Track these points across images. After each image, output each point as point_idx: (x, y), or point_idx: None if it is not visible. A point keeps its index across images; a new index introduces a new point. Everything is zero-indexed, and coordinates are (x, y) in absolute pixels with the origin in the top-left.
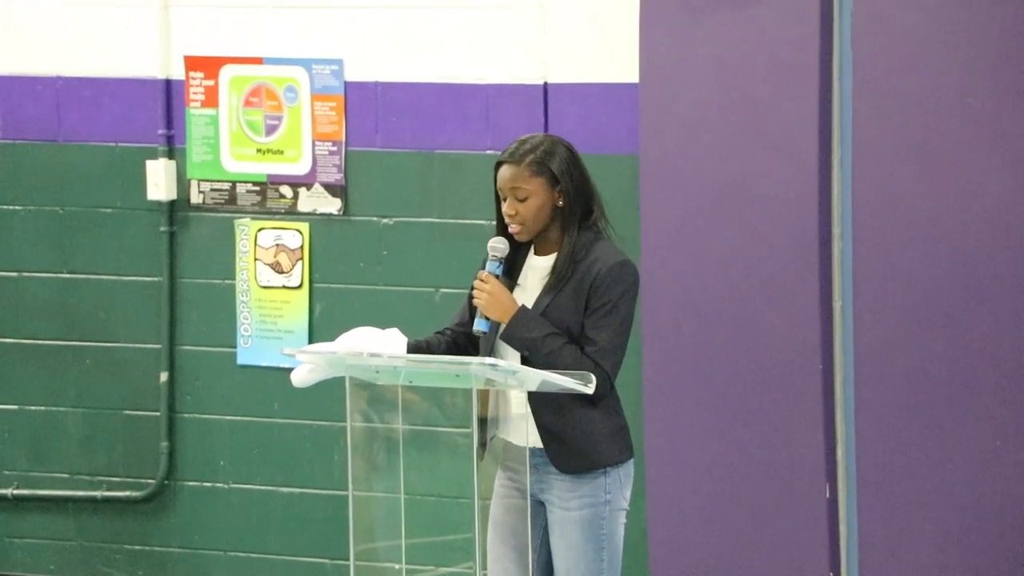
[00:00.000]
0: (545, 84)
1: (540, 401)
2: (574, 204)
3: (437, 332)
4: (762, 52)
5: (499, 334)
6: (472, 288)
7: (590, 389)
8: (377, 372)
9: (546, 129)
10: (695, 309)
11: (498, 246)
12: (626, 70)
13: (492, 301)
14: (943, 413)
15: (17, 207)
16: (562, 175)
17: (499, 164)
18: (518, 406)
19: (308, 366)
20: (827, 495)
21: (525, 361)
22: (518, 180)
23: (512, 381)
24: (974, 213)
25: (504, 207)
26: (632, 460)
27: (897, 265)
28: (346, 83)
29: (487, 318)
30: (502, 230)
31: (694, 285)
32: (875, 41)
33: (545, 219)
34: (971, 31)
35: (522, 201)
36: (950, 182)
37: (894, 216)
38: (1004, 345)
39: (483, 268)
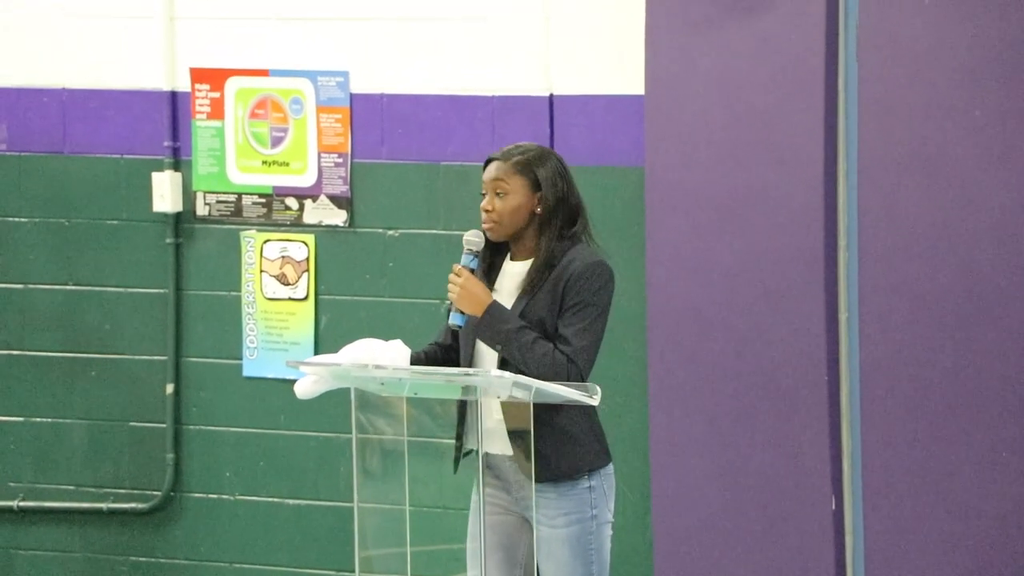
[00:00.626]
0: (551, 96)
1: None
2: (553, 214)
3: (432, 343)
4: (768, 64)
5: (475, 330)
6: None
7: (595, 400)
8: (382, 384)
9: (551, 140)
10: (701, 320)
11: (473, 239)
12: (631, 82)
13: (464, 294)
14: (949, 424)
15: (23, 219)
16: (545, 182)
17: (488, 161)
18: (496, 414)
19: (312, 378)
20: (833, 507)
21: (503, 364)
22: (501, 174)
23: (517, 392)
24: (980, 225)
25: (483, 202)
26: (612, 466)
27: (903, 277)
28: (352, 95)
29: (462, 312)
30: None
31: (700, 296)
32: (881, 53)
33: (520, 221)
34: (977, 43)
35: (501, 197)
36: (956, 194)
37: (900, 228)
38: (1009, 356)
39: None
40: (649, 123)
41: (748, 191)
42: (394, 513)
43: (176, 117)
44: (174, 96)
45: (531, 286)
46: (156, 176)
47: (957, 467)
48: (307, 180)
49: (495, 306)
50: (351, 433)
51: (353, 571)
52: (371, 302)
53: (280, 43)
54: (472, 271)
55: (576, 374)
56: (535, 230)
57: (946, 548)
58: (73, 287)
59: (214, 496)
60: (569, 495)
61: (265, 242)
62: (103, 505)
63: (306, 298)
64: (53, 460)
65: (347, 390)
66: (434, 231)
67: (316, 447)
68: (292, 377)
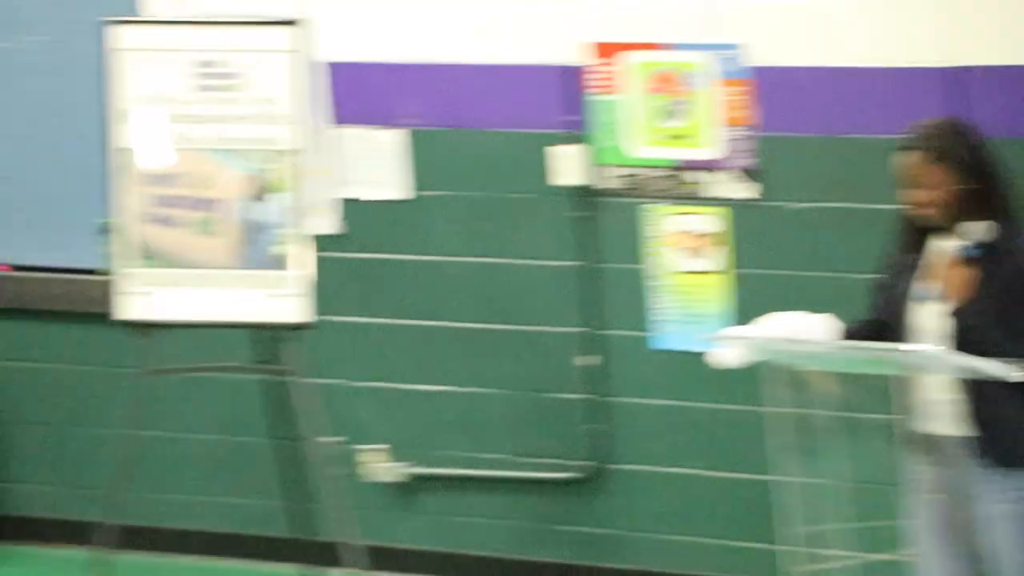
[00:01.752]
0: (954, 67)
1: (973, 391)
2: (974, 190)
3: (858, 321)
4: None
5: (954, 316)
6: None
7: (1017, 376)
8: (808, 358)
9: (959, 113)
10: None
11: (972, 228)
12: None
13: (951, 278)
14: None
15: (438, 192)
16: (960, 163)
17: (900, 149)
18: (939, 393)
19: (735, 349)
20: None
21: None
22: (916, 167)
23: (938, 366)
24: None
25: (908, 194)
26: None
27: None
28: (751, 68)
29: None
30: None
31: None
32: None
33: (948, 205)
34: None
35: (922, 188)
36: None
37: None
38: None
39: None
40: None
41: None
42: (814, 488)
43: (572, 91)
44: (571, 70)
45: (975, 273)
46: (556, 150)
47: None
48: (711, 153)
49: (976, 302)
50: (768, 407)
51: (774, 544)
52: (783, 276)
53: (676, 17)
54: (969, 259)
55: None
56: (961, 209)
57: None
58: (483, 260)
59: (630, 467)
60: (1017, 474)
61: (669, 215)
62: (528, 474)
63: (715, 271)
64: (479, 429)
65: (766, 363)
66: (846, 204)
67: (732, 420)
68: (704, 351)
